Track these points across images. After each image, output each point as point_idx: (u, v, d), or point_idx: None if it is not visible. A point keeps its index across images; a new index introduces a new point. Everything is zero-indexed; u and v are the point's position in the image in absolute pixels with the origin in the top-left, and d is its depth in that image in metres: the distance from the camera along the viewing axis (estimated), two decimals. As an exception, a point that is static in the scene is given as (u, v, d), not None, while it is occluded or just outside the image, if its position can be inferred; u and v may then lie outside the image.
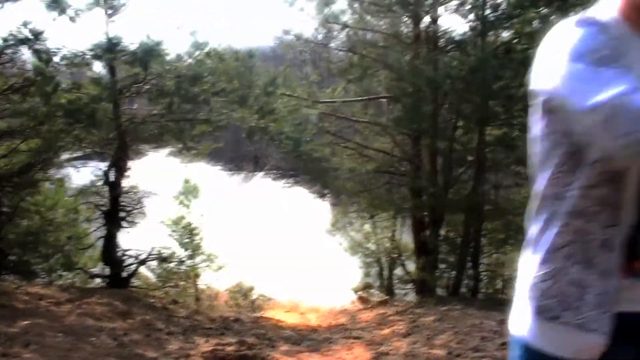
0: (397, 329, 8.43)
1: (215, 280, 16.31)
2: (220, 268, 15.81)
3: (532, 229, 1.48)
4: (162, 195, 15.56)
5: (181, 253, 14.75)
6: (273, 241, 25.46)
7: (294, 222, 28.73)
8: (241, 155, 41.05)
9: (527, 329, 1.47)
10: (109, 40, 9.24)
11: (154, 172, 17.03)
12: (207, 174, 23.29)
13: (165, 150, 15.45)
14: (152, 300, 9.56)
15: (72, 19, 9.33)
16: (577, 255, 1.37)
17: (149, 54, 8.32)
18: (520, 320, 1.50)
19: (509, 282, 12.13)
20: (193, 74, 8.91)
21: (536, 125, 1.45)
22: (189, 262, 15.01)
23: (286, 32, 11.52)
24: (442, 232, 11.63)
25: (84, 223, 12.38)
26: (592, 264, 1.36)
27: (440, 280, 11.61)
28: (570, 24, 1.32)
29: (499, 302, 9.69)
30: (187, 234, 16.16)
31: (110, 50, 9.15)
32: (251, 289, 20.33)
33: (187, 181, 17.84)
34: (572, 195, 1.37)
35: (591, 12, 1.36)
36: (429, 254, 11.07)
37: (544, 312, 1.42)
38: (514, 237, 11.30)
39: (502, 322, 7.66)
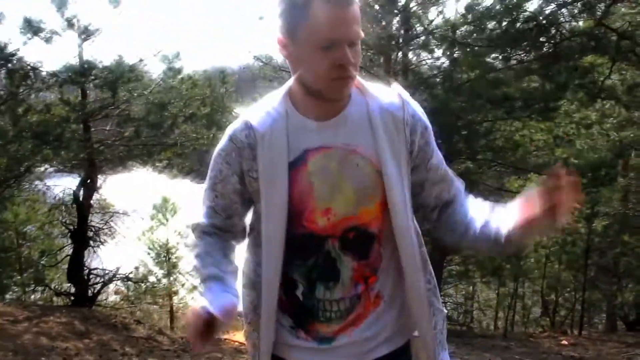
0: None
1: (191, 299, 16.36)
2: (194, 288, 15.90)
3: None
4: (139, 213, 15.64)
5: (157, 272, 14.82)
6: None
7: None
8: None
9: None
10: (82, 63, 9.45)
11: (132, 189, 17.16)
12: (189, 192, 23.37)
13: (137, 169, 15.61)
14: (113, 320, 9.69)
15: (46, 41, 9.53)
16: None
17: (118, 79, 8.54)
18: None
19: (466, 313, 12.42)
20: (160, 101, 9.14)
21: None
22: (164, 280, 15.07)
23: (256, 58, 11.74)
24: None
25: (56, 240, 12.55)
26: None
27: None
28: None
29: (455, 334, 9.91)
30: (164, 253, 16.22)
31: (82, 73, 9.36)
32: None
33: (165, 199, 17.95)
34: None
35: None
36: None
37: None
38: (475, 271, 11.61)
39: (452, 355, 7.87)
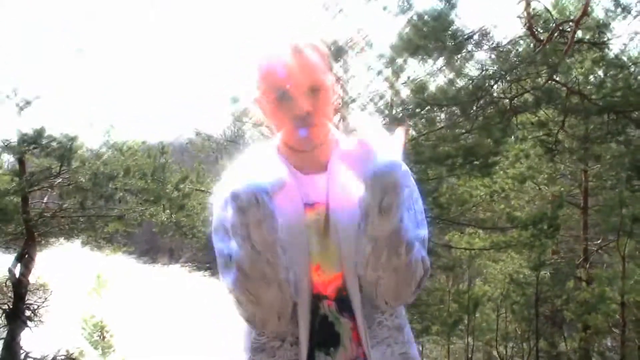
0: None
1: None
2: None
3: None
4: (71, 290, 15.08)
5: (92, 352, 14.22)
6: (192, 335, 24.72)
7: (213, 315, 28.07)
8: (156, 246, 40.20)
9: None
10: (21, 134, 9.15)
11: (63, 264, 16.45)
12: (121, 266, 22.66)
13: (77, 242, 15.08)
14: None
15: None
16: None
17: (68, 148, 8.29)
18: None
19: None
20: (109, 171, 8.90)
21: None
22: (100, 360, 14.45)
23: (198, 133, 11.72)
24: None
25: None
26: None
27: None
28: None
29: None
30: (98, 332, 15.55)
31: (22, 143, 9.05)
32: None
33: (99, 276, 17.31)
34: None
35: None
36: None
37: None
38: (431, 327, 11.62)
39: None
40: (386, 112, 11.61)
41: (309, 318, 1.47)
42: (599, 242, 13.94)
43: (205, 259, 38.63)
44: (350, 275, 1.48)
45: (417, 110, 10.68)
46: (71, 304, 14.58)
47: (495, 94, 9.61)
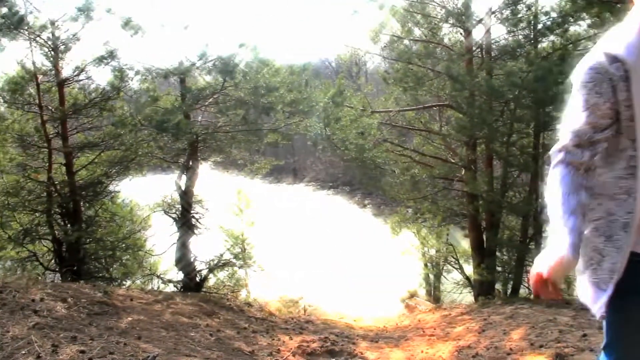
0: (470, 327, 8.68)
1: (263, 288, 16.74)
2: (268, 277, 16.26)
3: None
4: (213, 206, 16.09)
5: (234, 262, 15.19)
6: (317, 250, 25.81)
7: (336, 232, 29.06)
8: (280, 167, 41.65)
9: None
10: (182, 56, 9.74)
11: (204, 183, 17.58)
12: (250, 187, 23.89)
13: (207, 163, 15.96)
14: (228, 303, 9.95)
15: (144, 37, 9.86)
16: (602, 229, 1.82)
17: (228, 66, 8.78)
18: None
19: (571, 284, 12.30)
20: (266, 85, 9.34)
21: None
22: (240, 271, 15.45)
23: (347, 46, 11.94)
24: (501, 234, 11.87)
25: (146, 232, 12.92)
26: (612, 239, 1.80)
27: (501, 282, 11.83)
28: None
29: (566, 302, 9.88)
30: (239, 244, 16.64)
31: (182, 65, 9.67)
32: (299, 298, 20.72)
33: (239, 192, 18.35)
34: (607, 182, 1.81)
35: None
36: (488, 256, 11.32)
37: (578, 269, 1.90)
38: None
39: (576, 318, 7.90)
40: None
41: None
42: None
43: (329, 178, 39.87)
44: None
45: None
46: (215, 217, 15.59)
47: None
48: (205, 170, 17.93)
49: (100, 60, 9.77)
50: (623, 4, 10.33)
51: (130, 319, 6.88)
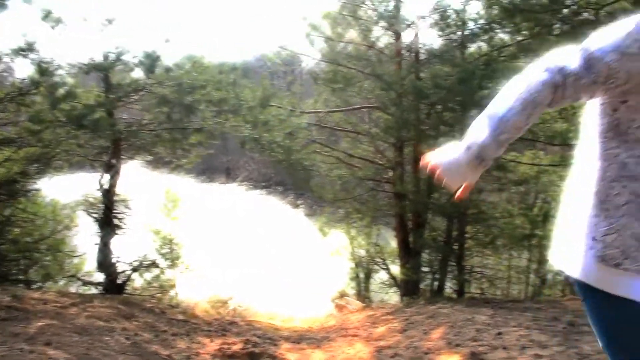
0: (392, 326, 8.78)
1: (192, 289, 16.50)
2: (197, 278, 16.05)
3: (587, 189, 1.78)
4: (140, 205, 15.73)
5: (161, 263, 14.91)
6: (249, 250, 25.65)
7: (269, 232, 28.98)
8: (213, 166, 41.19)
9: (588, 273, 1.78)
10: (105, 51, 9.47)
11: (130, 182, 17.16)
12: (181, 185, 23.50)
13: (138, 161, 15.60)
14: (149, 305, 9.72)
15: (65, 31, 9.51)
16: (636, 213, 1.68)
17: (151, 63, 8.57)
18: (578, 265, 1.81)
19: (492, 282, 12.67)
20: (190, 83, 9.17)
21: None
22: (168, 271, 15.18)
23: (280, 46, 11.92)
24: (426, 235, 12.08)
25: (69, 232, 12.49)
26: None
27: (426, 282, 12.05)
28: None
29: (485, 301, 10.16)
30: (167, 244, 16.32)
31: (106, 60, 9.38)
32: (228, 299, 20.49)
33: (168, 191, 17.99)
34: (629, 162, 1.67)
35: None
36: (413, 255, 11.50)
37: (609, 260, 1.72)
38: (496, 240, 11.86)
39: (493, 316, 8.11)
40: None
41: None
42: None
43: (262, 178, 39.77)
44: None
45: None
46: (142, 217, 15.22)
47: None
48: (135, 168, 17.55)
49: (17, 52, 9.34)
50: (547, 13, 10.73)
51: (40, 324, 6.61)
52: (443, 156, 1.83)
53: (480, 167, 1.77)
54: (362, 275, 16.27)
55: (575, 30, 9.83)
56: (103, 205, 10.60)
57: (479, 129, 1.76)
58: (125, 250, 12.10)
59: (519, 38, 11.32)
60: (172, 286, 15.30)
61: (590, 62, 1.60)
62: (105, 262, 10.39)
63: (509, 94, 1.69)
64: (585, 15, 10.28)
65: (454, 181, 1.84)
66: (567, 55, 1.64)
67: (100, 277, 11.05)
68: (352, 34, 12.82)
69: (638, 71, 1.56)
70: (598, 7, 8.95)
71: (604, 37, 1.60)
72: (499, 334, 6.84)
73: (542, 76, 1.64)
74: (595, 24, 9.86)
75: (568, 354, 5.73)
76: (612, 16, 9.50)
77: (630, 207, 1.69)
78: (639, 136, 1.64)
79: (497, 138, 1.72)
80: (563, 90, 1.64)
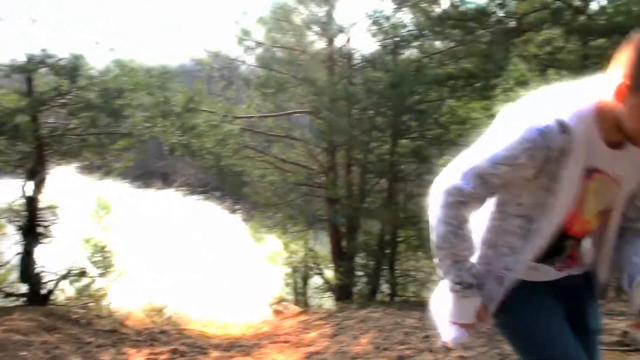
0: (323, 332, 8.77)
1: (126, 297, 16.09)
2: (132, 285, 15.65)
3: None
4: (70, 212, 15.24)
5: (92, 271, 14.47)
6: (185, 257, 25.21)
7: (206, 238, 28.57)
8: (149, 172, 40.33)
9: None
10: (28, 53, 9.14)
11: (59, 188, 16.62)
12: (116, 191, 22.87)
13: (71, 167, 15.15)
14: (75, 316, 9.41)
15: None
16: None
17: (76, 66, 8.31)
18: None
19: (423, 285, 12.85)
20: (117, 87, 8.94)
21: None
22: (100, 280, 14.75)
23: (208, 52, 11.75)
24: (359, 240, 12.17)
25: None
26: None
27: (359, 286, 12.13)
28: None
29: (416, 304, 10.30)
30: (99, 252, 15.84)
31: (29, 62, 9.06)
32: (164, 306, 20.07)
33: (99, 198, 17.48)
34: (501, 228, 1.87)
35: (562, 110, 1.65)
36: (346, 260, 11.57)
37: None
38: (427, 245, 12.05)
39: (422, 319, 8.22)
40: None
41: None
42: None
43: (199, 183, 39.27)
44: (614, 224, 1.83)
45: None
46: (70, 225, 14.77)
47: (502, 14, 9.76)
48: (67, 174, 16.98)
49: None
50: (480, 23, 11.03)
51: (-50, 340, 6.30)
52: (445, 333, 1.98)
53: (467, 291, 1.86)
54: (299, 280, 16.24)
55: (500, 37, 10.15)
56: (27, 213, 10.19)
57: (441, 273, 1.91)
58: (53, 259, 11.69)
59: (450, 44, 11.60)
60: (104, 295, 14.86)
61: (484, 179, 1.71)
62: (28, 272, 10.00)
63: (437, 232, 1.88)
64: (511, 24, 10.61)
65: (466, 320, 1.92)
66: (460, 174, 1.74)
67: (24, 288, 10.62)
68: (286, 39, 12.84)
69: (520, 176, 1.70)
70: (520, 16, 9.24)
71: (493, 148, 1.69)
72: (426, 337, 6.92)
73: (446, 200, 1.77)
74: (518, 31, 10.22)
75: (490, 354, 5.85)
76: (533, 25, 9.89)
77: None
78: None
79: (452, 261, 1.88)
80: (467, 206, 1.77)
